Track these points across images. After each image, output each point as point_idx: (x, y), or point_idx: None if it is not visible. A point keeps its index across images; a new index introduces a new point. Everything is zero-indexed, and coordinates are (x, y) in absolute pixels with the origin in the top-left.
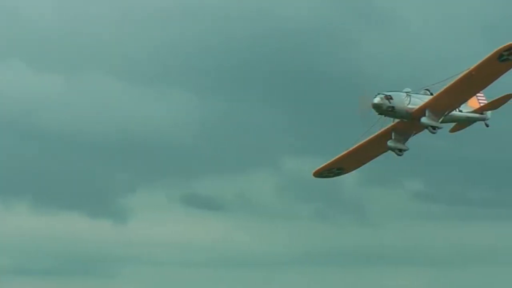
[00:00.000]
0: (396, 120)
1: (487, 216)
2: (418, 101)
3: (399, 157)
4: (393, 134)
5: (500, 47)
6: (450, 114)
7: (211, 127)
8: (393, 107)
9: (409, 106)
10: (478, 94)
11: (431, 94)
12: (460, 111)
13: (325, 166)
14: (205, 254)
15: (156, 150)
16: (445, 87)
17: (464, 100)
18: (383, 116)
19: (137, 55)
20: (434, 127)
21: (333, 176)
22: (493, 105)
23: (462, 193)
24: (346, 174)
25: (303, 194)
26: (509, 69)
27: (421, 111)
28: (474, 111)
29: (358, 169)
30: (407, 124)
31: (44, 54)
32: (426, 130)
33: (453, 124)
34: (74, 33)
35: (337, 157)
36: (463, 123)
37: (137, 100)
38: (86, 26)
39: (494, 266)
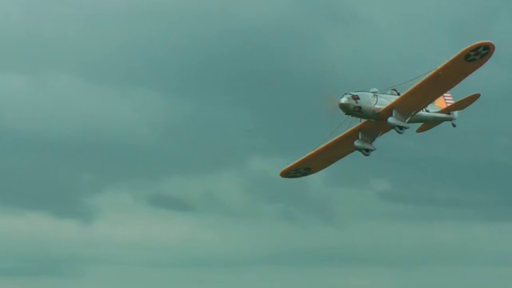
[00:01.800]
0: (363, 120)
1: (454, 216)
2: (385, 101)
3: (366, 157)
4: (360, 134)
5: (467, 47)
6: (417, 114)
7: (177, 127)
8: (360, 107)
9: (376, 106)
10: (445, 94)
11: (398, 94)
12: (427, 111)
13: (292, 166)
14: (172, 254)
15: (122, 150)
16: (412, 87)
17: (431, 100)
18: (350, 116)
19: (101, 55)
20: (401, 127)
21: (300, 176)
22: (460, 105)
23: (428, 193)
24: (313, 174)
25: (270, 194)
26: (476, 69)
27: (388, 111)
28: (441, 111)
29: (325, 169)
30: (374, 124)
31: (8, 54)
32: (393, 130)
33: (420, 124)
34: (38, 33)
35: (304, 157)
36: (430, 123)
37: (103, 100)
38: (51, 26)
39: (460, 266)
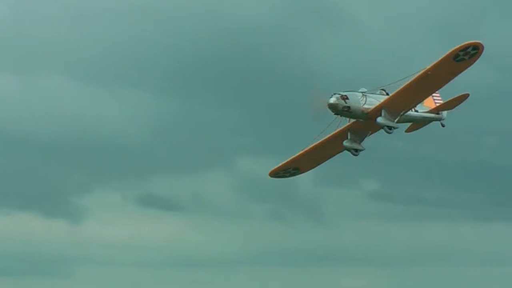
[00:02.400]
0: (352, 120)
1: (443, 216)
2: (374, 101)
3: (355, 157)
4: (349, 134)
5: (456, 47)
6: (406, 114)
7: (167, 127)
8: (349, 107)
9: (365, 106)
10: (434, 94)
11: (387, 94)
12: (416, 111)
13: (281, 166)
14: (161, 254)
15: (112, 150)
16: (401, 87)
17: (420, 100)
18: (339, 116)
19: (90, 55)
20: (390, 127)
21: (289, 176)
22: (449, 105)
23: (417, 193)
24: (302, 174)
25: (259, 194)
26: (465, 69)
27: (377, 111)
28: (430, 111)
29: (314, 169)
30: (363, 124)
31: None
32: (382, 130)
33: (409, 124)
34: (27, 34)
35: (293, 157)
36: (419, 123)
37: (92, 101)
38: (39, 27)
39: (449, 266)
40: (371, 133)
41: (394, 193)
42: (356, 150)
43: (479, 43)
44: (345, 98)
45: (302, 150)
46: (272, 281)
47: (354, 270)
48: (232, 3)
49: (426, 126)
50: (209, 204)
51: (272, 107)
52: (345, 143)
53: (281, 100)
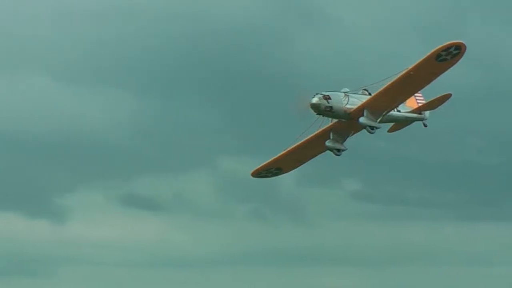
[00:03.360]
0: (334, 120)
1: (425, 216)
2: (357, 101)
3: (337, 157)
4: (331, 134)
5: (438, 47)
6: (388, 114)
7: (149, 127)
8: (331, 107)
9: (348, 106)
10: (416, 94)
11: (370, 94)
12: (399, 111)
13: (264, 166)
14: (144, 254)
15: (94, 150)
16: (383, 87)
17: (403, 100)
18: (321, 116)
19: (72, 54)
20: (372, 127)
21: (271, 176)
22: (431, 105)
23: (400, 193)
24: (285, 174)
25: (241, 194)
26: (447, 69)
27: (360, 111)
28: (412, 111)
29: (297, 169)
30: (346, 124)
31: None
32: (364, 130)
33: (391, 124)
34: (8, 33)
35: (275, 157)
36: (401, 123)
37: (74, 100)
38: (21, 26)
39: (431, 266)
40: (354, 133)
41: (376, 193)
42: (339, 150)
43: (461, 43)
44: (327, 98)
45: (285, 150)
46: (255, 281)
47: (337, 270)
48: (214, 4)
49: (409, 126)
50: (191, 204)
51: (254, 107)
52: (328, 143)
53: (264, 100)
